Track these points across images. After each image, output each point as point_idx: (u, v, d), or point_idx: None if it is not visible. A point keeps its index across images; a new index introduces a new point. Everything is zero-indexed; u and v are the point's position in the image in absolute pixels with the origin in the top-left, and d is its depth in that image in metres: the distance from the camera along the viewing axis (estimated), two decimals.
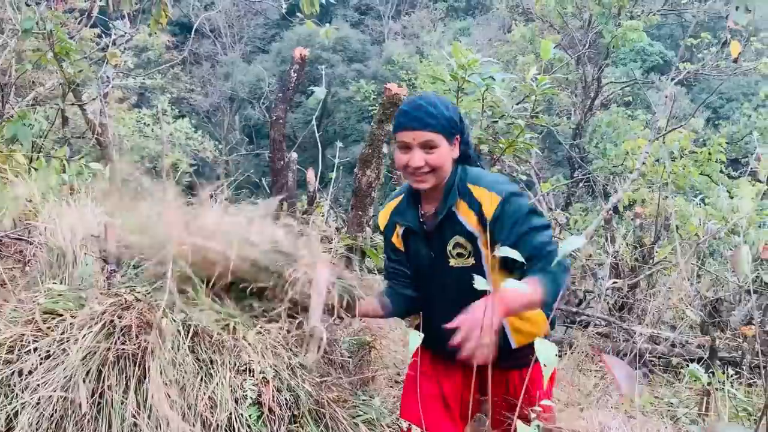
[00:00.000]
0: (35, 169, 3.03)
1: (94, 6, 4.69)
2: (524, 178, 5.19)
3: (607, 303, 5.26)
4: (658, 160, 6.73)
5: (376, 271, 4.35)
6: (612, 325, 4.77)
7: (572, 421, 2.89)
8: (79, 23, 5.03)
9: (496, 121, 3.20)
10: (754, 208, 4.08)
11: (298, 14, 6.53)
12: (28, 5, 5.37)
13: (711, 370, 3.92)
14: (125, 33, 5.28)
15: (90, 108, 6.51)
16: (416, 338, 1.59)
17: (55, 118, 4.50)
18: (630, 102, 15.97)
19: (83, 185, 2.86)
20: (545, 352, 1.27)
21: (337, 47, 29.53)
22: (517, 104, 3.43)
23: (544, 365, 1.29)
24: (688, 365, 3.75)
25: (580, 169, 11.98)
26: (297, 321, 2.01)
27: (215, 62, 31.93)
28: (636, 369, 4.76)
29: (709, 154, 6.24)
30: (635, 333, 4.89)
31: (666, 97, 3.86)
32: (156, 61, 19.33)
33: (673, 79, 13.68)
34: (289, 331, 1.95)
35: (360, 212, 4.45)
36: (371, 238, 4.35)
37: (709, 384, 3.34)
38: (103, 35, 8.56)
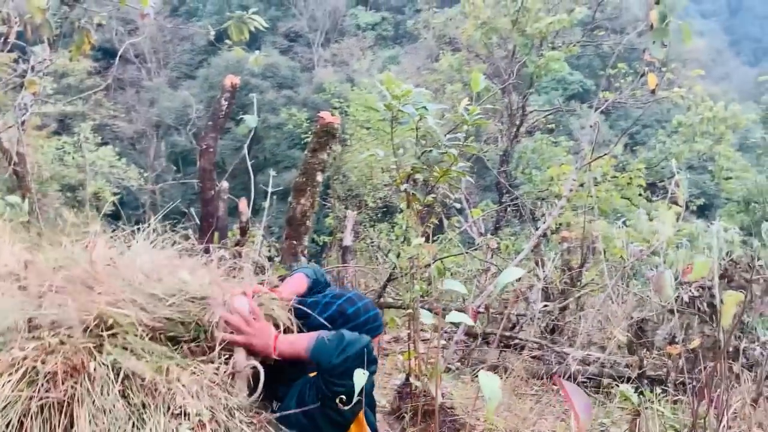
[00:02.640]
0: None
1: (10, 31, 4.49)
2: (458, 206, 5.29)
3: (539, 326, 5.38)
4: (582, 185, 7.01)
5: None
6: (544, 348, 4.87)
7: None
8: None
9: (430, 151, 3.24)
10: (673, 231, 4.30)
11: (227, 41, 6.48)
12: None
13: (639, 389, 4.06)
14: (44, 59, 5.07)
15: (5, 136, 6.21)
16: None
17: None
18: (553, 129, 16.60)
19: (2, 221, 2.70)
20: (489, 384, 1.27)
21: (267, 73, 29.45)
22: (448, 133, 3.49)
23: (489, 398, 1.30)
24: (617, 385, 3.88)
25: (507, 194, 12.32)
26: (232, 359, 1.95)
27: (140, 88, 31.20)
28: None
29: (630, 179, 6.55)
30: (567, 355, 5.02)
31: (591, 126, 4.03)
32: (77, 87, 18.68)
33: (596, 108, 14.34)
34: (225, 372, 1.88)
35: (295, 241, 4.40)
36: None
37: (639, 405, 3.45)
38: (21, 60, 8.23)
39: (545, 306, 5.70)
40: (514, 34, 11.05)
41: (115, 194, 14.90)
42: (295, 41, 35.48)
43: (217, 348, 1.92)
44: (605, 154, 5.39)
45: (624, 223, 7.41)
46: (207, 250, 2.56)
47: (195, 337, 2.00)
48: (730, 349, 5.14)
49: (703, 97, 11.05)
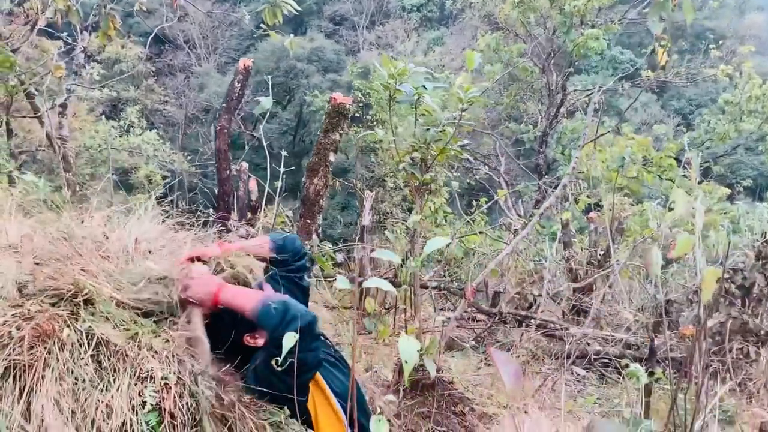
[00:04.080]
0: None
1: (40, 18, 4.68)
2: (456, 184, 5.26)
3: (560, 306, 5.33)
4: (622, 166, 6.85)
5: (323, 279, 4.39)
6: (561, 328, 4.83)
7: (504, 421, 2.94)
8: (25, 36, 5.02)
9: (428, 129, 3.24)
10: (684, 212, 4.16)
11: (262, 25, 6.58)
12: None
13: (650, 369, 3.99)
14: (77, 44, 5.26)
15: (48, 120, 6.47)
16: None
17: None
18: (597, 109, 16.18)
19: (10, 197, 2.84)
20: (406, 347, 1.30)
21: (312, 57, 29.62)
22: (454, 118, 3.47)
23: (405, 361, 1.32)
24: (635, 367, 3.82)
25: (546, 176, 12.14)
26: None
27: (189, 73, 31.80)
28: (586, 369, 4.84)
29: (661, 158, 6.36)
30: (586, 335, 4.96)
31: (595, 103, 3.94)
32: (127, 73, 19.21)
33: (635, 84, 13.89)
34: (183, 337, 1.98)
35: (308, 220, 4.48)
36: (319, 246, 4.38)
37: (650, 383, 3.40)
38: (64, 47, 8.53)
39: (571, 286, 5.63)
40: (553, 12, 10.80)
41: (163, 177, 15.33)
42: (340, 24, 35.53)
43: (182, 317, 2.02)
44: (607, 132, 5.22)
45: (667, 205, 7.22)
46: (221, 225, 2.67)
47: (167, 313, 2.10)
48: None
49: (750, 74, 10.55)
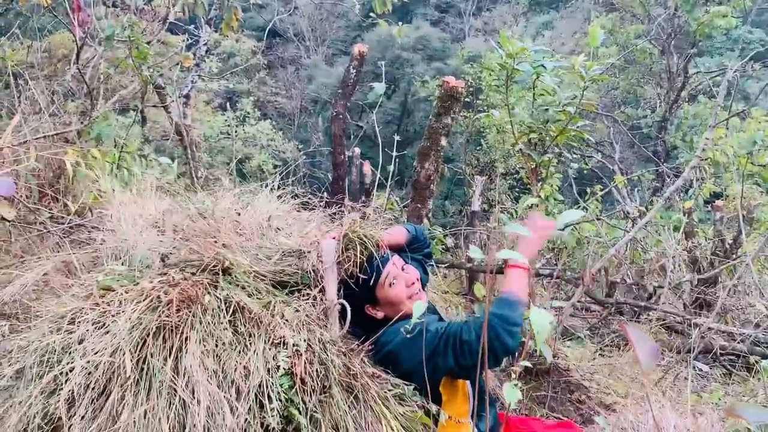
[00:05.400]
0: (110, 164, 3.29)
1: (170, 12, 4.98)
2: (575, 166, 5.08)
3: (681, 298, 5.06)
4: (751, 153, 6.38)
5: (434, 264, 4.40)
6: (684, 321, 4.58)
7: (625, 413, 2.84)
8: (157, 30, 5.36)
9: (547, 110, 3.17)
10: None
11: (372, 14, 6.68)
12: (117, 16, 5.78)
13: None
14: (200, 36, 5.56)
15: (174, 110, 6.90)
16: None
17: (134, 118, 4.81)
18: (730, 92, 15.10)
19: (150, 179, 3.08)
20: (539, 319, 1.29)
21: (418, 46, 29.62)
22: (574, 97, 3.36)
23: (537, 332, 1.31)
24: None
25: (666, 163, 11.49)
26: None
27: (299, 66, 32.75)
28: (709, 365, 4.57)
29: None
30: (710, 329, 4.68)
31: (728, 80, 3.67)
32: (241, 66, 20.08)
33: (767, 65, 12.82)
34: (320, 308, 2.08)
35: (419, 205, 4.51)
36: (430, 230, 4.40)
37: None
38: (189, 41, 9.03)
39: (695, 277, 5.33)
40: None
41: (275, 166, 15.95)
42: (446, 12, 35.29)
43: (315, 289, 2.12)
44: (738, 113, 4.81)
45: None
46: (333, 207, 2.78)
47: (301, 282, 2.22)
48: None
49: None
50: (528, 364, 1.62)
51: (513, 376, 3.27)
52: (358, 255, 2.20)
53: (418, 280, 2.28)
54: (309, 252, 2.22)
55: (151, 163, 3.45)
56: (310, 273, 2.18)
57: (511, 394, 1.40)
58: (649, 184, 12.37)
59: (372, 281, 2.18)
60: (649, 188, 12.30)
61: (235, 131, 13.62)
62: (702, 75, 12.78)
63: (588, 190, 8.34)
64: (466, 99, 9.66)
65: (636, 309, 4.77)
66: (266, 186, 2.84)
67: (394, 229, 2.43)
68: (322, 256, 2.18)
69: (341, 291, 2.15)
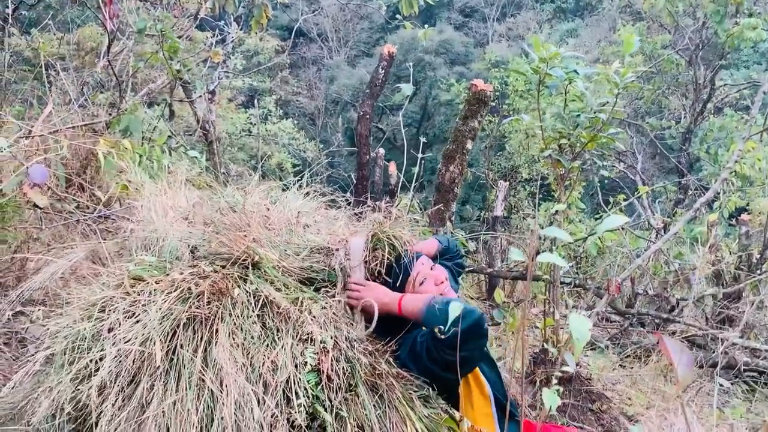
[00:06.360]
0: (140, 156, 3.31)
1: (201, 8, 5.02)
2: (605, 173, 5.03)
3: (703, 312, 4.99)
4: None
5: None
6: (706, 335, 4.52)
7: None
8: (187, 27, 5.40)
9: (578, 115, 3.14)
10: None
11: (398, 16, 6.68)
12: (148, 10, 5.83)
13: None
14: (228, 32, 5.60)
15: (200, 105, 6.95)
16: None
17: (162, 112, 4.85)
18: (749, 106, 14.93)
19: (180, 171, 3.10)
20: (578, 324, 1.27)
21: (440, 50, 29.56)
22: (605, 104, 3.33)
23: (576, 339, 1.29)
24: None
25: (688, 175, 11.37)
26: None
27: (321, 66, 32.86)
28: (731, 381, 4.50)
29: None
30: (735, 344, 4.61)
31: (765, 92, 3.61)
32: (264, 64, 20.21)
33: None
34: (345, 305, 2.08)
35: (443, 207, 4.49)
36: (452, 233, 4.38)
37: None
38: (213, 36, 9.08)
39: (717, 290, 5.26)
40: (705, 0, 10.05)
41: (294, 165, 16.02)
42: (470, 16, 35.17)
43: (339, 286, 2.12)
44: None
45: None
46: (357, 207, 2.78)
47: (327, 280, 2.22)
48: None
49: None
50: (570, 370, 1.59)
51: (540, 382, 3.25)
52: (386, 255, 2.19)
53: (447, 279, 2.27)
54: (337, 250, 2.22)
55: (180, 156, 3.48)
56: (338, 271, 2.17)
57: (551, 399, 1.38)
58: (671, 196, 12.24)
59: (400, 280, 2.18)
60: (670, 200, 12.17)
61: (258, 129, 13.68)
62: (728, 87, 12.62)
63: (610, 199, 8.28)
64: (492, 103, 9.59)
65: (658, 321, 4.71)
66: (294, 183, 2.84)
67: (426, 241, 2.44)
68: (350, 254, 2.18)
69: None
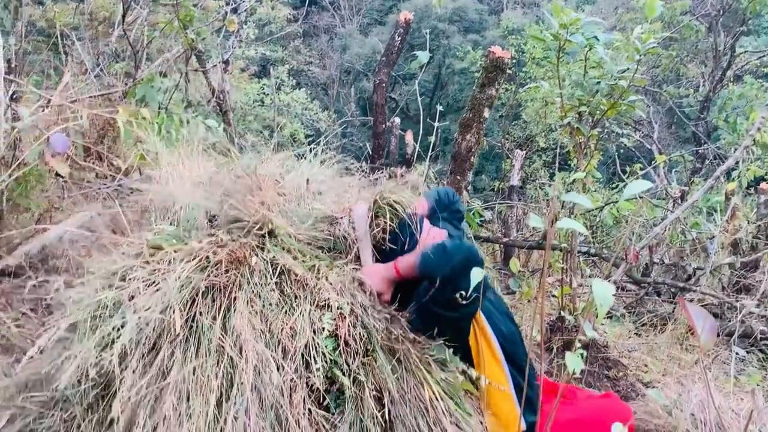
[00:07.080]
0: (158, 125, 3.31)
1: None
2: (626, 142, 4.96)
3: (720, 281, 4.96)
4: None
5: (472, 237, 4.38)
6: (723, 303, 4.49)
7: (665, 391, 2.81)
8: None
9: (599, 83, 3.09)
10: None
11: None
12: None
13: None
14: (242, 0, 5.54)
15: (214, 75, 6.92)
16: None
17: (179, 81, 4.83)
18: None
19: (197, 140, 3.09)
20: (601, 290, 1.26)
21: (454, 18, 29.16)
22: (625, 70, 3.27)
23: (600, 305, 1.28)
24: None
25: (706, 144, 11.20)
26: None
27: (333, 35, 32.53)
28: (746, 349, 4.49)
29: None
30: (752, 313, 4.59)
31: None
32: (277, 34, 20.02)
33: None
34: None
35: (459, 177, 4.47)
36: (468, 203, 4.37)
37: None
38: (227, 5, 9.00)
39: (733, 257, 5.22)
40: None
41: (307, 136, 15.95)
42: None
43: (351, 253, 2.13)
44: None
45: None
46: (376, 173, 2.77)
47: (335, 249, 2.23)
48: None
49: None
50: (595, 335, 1.59)
51: (557, 349, 3.25)
52: (388, 222, 2.19)
53: (450, 237, 2.26)
54: (341, 218, 2.22)
55: (196, 126, 3.48)
56: (342, 240, 2.18)
57: (575, 362, 1.38)
58: (687, 165, 12.09)
59: (407, 246, 2.17)
60: (687, 169, 12.02)
61: (271, 99, 13.62)
62: (749, 54, 12.34)
63: (627, 169, 8.18)
64: (508, 71, 9.44)
65: (674, 290, 4.69)
66: (308, 152, 2.83)
67: (414, 203, 2.43)
68: (355, 223, 2.18)
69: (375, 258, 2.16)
